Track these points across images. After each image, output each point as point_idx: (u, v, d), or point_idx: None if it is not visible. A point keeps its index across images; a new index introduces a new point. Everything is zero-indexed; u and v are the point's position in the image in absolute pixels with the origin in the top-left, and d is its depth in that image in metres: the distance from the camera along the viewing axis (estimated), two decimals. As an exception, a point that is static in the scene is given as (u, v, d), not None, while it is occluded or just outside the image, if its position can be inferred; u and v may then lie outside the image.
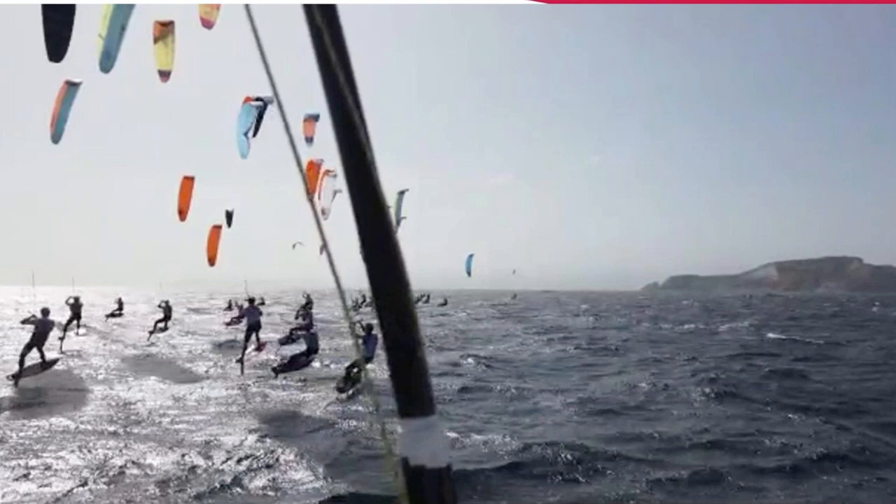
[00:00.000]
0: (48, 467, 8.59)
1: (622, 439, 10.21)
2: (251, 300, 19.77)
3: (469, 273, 48.58)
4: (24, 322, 16.22)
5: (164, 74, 11.28)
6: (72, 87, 12.04)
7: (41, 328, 15.49)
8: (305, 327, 18.34)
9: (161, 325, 26.06)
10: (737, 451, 9.63)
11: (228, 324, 28.73)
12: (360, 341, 11.42)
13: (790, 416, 11.88)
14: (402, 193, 26.67)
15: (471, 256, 49.20)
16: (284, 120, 0.81)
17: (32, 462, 8.80)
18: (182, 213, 18.56)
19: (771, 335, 29.96)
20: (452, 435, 10.16)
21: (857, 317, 49.40)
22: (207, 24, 10.27)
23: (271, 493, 7.89)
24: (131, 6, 9.25)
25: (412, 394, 0.83)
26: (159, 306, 27.49)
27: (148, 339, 24.59)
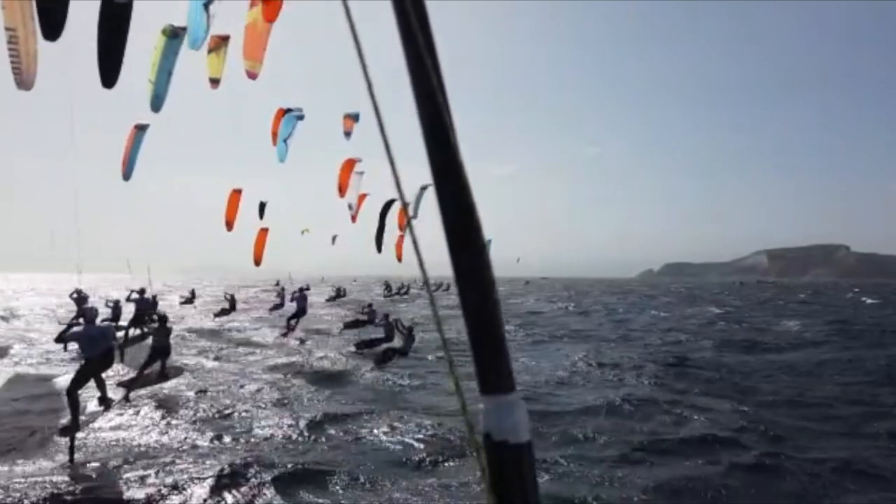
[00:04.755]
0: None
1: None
2: (302, 288, 21.48)
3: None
4: (126, 300, 17.30)
5: (215, 82, 11.31)
6: (140, 130, 12.36)
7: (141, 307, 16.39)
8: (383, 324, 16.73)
9: (225, 314, 26.06)
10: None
11: (272, 309, 28.76)
12: (404, 335, 14.55)
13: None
14: (423, 188, 26.49)
15: (488, 242, 48.70)
16: (380, 121, 0.79)
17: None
18: (229, 225, 18.56)
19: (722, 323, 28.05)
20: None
21: (835, 304, 48.27)
22: (252, 76, 10.09)
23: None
24: (176, 54, 9.46)
25: (493, 371, 0.81)
26: (225, 297, 27.96)
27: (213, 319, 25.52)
